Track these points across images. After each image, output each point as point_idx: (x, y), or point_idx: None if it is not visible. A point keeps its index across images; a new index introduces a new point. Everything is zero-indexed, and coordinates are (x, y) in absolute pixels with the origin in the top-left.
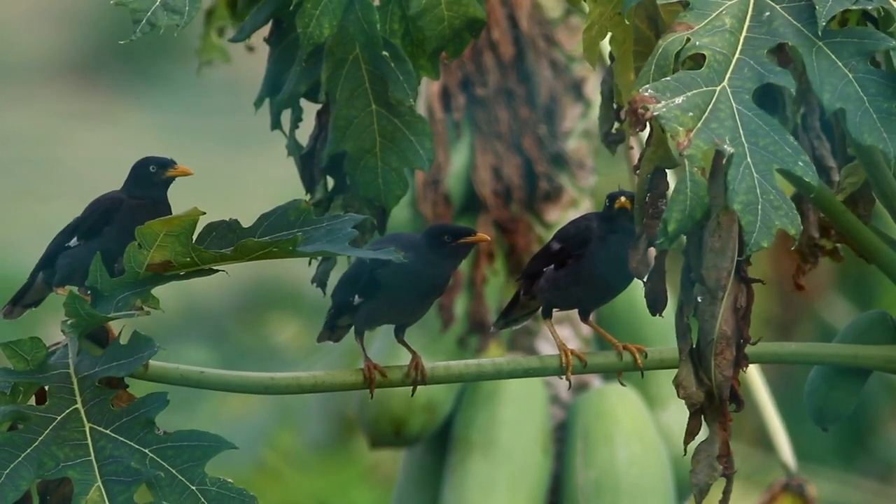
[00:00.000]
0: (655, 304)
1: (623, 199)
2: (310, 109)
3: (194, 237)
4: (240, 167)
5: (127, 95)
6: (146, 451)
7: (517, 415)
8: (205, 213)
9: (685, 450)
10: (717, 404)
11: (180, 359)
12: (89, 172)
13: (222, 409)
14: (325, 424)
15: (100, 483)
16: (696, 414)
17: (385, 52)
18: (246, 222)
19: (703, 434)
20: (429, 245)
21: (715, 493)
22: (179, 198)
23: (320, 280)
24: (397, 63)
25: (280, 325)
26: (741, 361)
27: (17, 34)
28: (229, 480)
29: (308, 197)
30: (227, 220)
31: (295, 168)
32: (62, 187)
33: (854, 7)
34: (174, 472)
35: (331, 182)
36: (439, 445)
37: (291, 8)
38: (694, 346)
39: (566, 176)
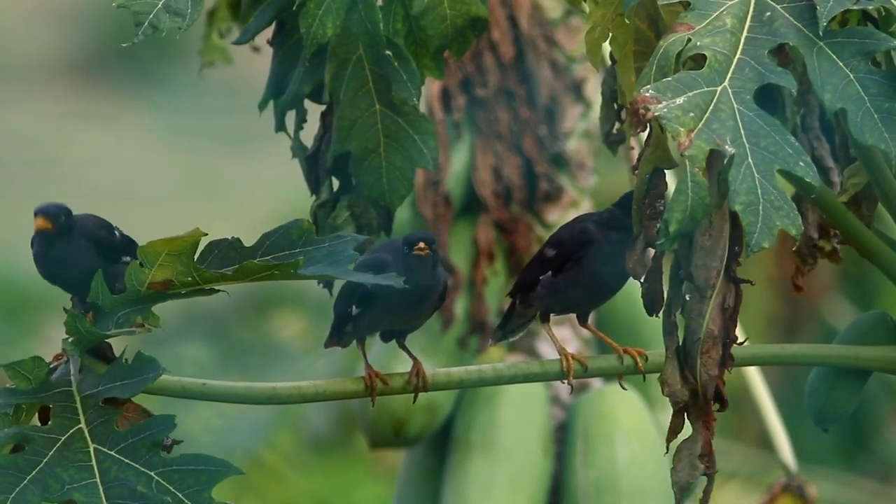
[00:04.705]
0: (652, 304)
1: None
2: (314, 110)
3: (196, 257)
4: (240, 167)
5: (127, 96)
6: (152, 474)
7: (517, 415)
8: (206, 235)
9: (667, 447)
10: (701, 403)
11: (181, 357)
12: (89, 173)
13: (224, 403)
14: (327, 420)
15: None
16: (680, 412)
17: (388, 52)
18: (245, 222)
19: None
20: (402, 255)
21: (718, 494)
22: (180, 197)
23: (327, 282)
24: (401, 62)
25: (283, 322)
26: (727, 361)
27: (17, 35)
28: None
29: (314, 198)
30: (229, 238)
31: (294, 168)
32: (62, 188)
33: (855, 7)
34: (180, 496)
35: (336, 183)
36: (439, 446)
37: (294, 8)
38: (680, 344)
39: (566, 176)
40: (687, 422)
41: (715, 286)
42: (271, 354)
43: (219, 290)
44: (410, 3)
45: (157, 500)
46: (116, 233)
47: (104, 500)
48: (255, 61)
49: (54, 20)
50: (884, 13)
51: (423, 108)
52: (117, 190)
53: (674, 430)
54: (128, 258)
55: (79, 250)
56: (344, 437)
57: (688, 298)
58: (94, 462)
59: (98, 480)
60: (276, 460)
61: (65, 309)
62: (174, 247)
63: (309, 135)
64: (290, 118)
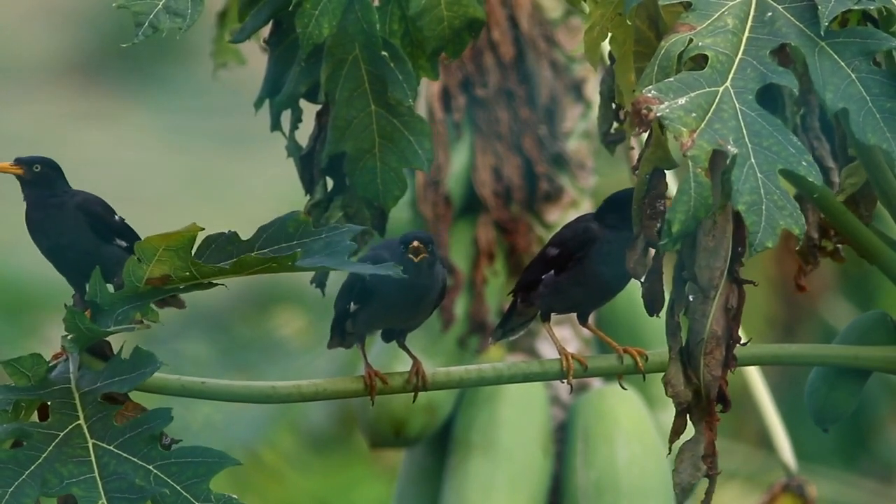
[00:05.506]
0: (653, 304)
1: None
2: (310, 110)
3: (193, 251)
4: (240, 167)
5: (127, 96)
6: (150, 467)
7: (517, 415)
8: (203, 229)
9: (669, 448)
10: (704, 404)
11: (181, 355)
12: (90, 173)
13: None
14: (327, 419)
15: (104, 500)
16: (683, 413)
17: (384, 53)
18: (245, 222)
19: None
20: (399, 254)
21: (717, 494)
22: (180, 197)
23: (319, 281)
24: (396, 63)
25: (283, 320)
26: (730, 362)
27: (17, 35)
28: (234, 496)
29: (308, 198)
30: (226, 232)
31: (294, 168)
32: None
33: (856, 7)
34: (179, 488)
35: (330, 183)
36: (439, 446)
37: (291, 8)
38: (684, 344)
39: (566, 176)
40: (689, 422)
41: (718, 287)
42: (271, 352)
43: (217, 284)
44: (407, 4)
45: (155, 492)
46: (116, 217)
47: (102, 494)
48: (254, 61)
49: (54, 20)
50: (885, 13)
51: (423, 108)
52: (117, 190)
53: (677, 431)
54: (123, 242)
55: (66, 217)
56: (344, 437)
57: (691, 299)
58: (92, 457)
59: (97, 475)
60: (275, 459)
61: (65, 305)
62: (171, 242)
63: (304, 134)
64: (286, 118)
